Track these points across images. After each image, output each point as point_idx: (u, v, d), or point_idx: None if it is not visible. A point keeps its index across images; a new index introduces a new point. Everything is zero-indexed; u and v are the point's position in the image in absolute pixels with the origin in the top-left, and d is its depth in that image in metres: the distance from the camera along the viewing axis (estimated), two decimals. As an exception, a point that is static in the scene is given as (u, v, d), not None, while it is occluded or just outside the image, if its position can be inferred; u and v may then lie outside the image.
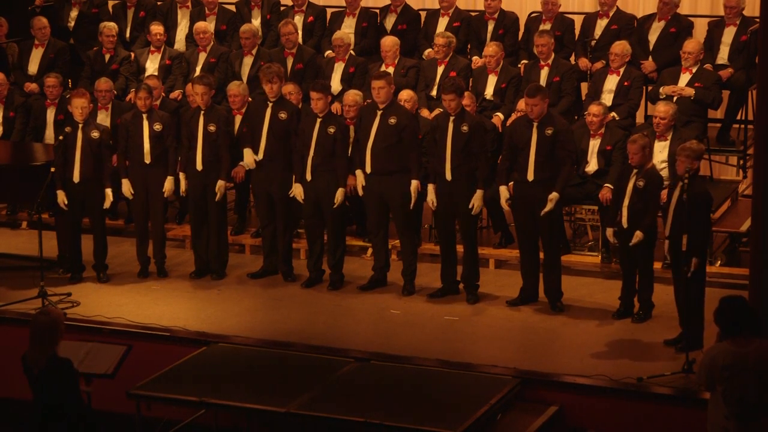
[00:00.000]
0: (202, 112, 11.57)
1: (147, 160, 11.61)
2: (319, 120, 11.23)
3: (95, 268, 11.70)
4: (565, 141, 10.69)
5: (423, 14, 13.74)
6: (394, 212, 11.19)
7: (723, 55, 12.52)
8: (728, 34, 12.51)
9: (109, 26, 13.85)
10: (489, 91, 12.51)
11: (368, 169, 11.08)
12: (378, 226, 11.29)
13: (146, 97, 11.63)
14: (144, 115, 11.63)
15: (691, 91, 11.95)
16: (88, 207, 11.59)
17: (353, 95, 11.77)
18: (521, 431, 8.89)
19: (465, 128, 10.82)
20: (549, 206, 10.58)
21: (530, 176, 10.63)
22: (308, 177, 11.26)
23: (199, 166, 11.53)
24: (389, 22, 13.59)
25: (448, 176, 10.86)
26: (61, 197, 11.46)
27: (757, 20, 12.57)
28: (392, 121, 10.99)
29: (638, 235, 10.21)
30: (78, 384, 7.93)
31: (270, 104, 11.50)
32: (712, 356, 7.67)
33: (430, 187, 11.00)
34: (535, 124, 10.64)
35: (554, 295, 10.78)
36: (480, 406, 8.81)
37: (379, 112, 11.08)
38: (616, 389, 9.22)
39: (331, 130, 11.22)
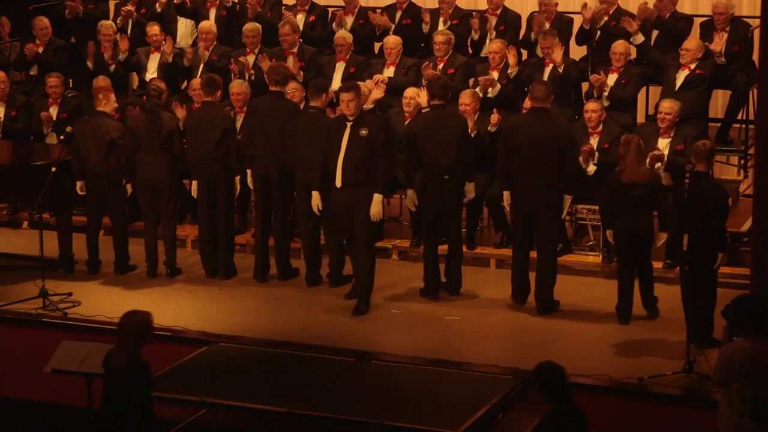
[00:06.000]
0: None
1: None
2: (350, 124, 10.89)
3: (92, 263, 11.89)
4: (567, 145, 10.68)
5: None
6: (358, 224, 10.74)
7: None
8: (719, 42, 12.39)
9: (106, 25, 13.87)
10: (491, 91, 12.51)
11: (338, 183, 10.69)
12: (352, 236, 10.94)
13: (158, 96, 11.73)
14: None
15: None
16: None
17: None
18: (522, 431, 8.89)
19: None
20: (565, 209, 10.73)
21: (531, 178, 10.59)
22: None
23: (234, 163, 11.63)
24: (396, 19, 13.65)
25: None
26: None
27: (746, 19, 12.67)
28: (363, 132, 10.69)
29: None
30: (149, 391, 7.75)
31: None
32: (730, 353, 7.66)
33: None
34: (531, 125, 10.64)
35: (545, 300, 10.73)
36: (480, 406, 8.81)
37: (349, 124, 10.72)
38: (616, 389, 9.22)
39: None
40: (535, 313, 10.72)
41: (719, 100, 13.74)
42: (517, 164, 10.67)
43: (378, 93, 11.84)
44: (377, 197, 10.64)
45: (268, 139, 11.39)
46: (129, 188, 11.73)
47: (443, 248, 11.21)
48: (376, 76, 12.65)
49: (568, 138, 10.68)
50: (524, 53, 13.22)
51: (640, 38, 12.44)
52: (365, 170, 10.62)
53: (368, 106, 11.76)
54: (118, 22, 14.29)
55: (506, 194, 10.81)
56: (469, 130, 11.47)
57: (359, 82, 12.02)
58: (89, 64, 13.80)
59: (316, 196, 10.95)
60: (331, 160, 10.72)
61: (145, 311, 7.86)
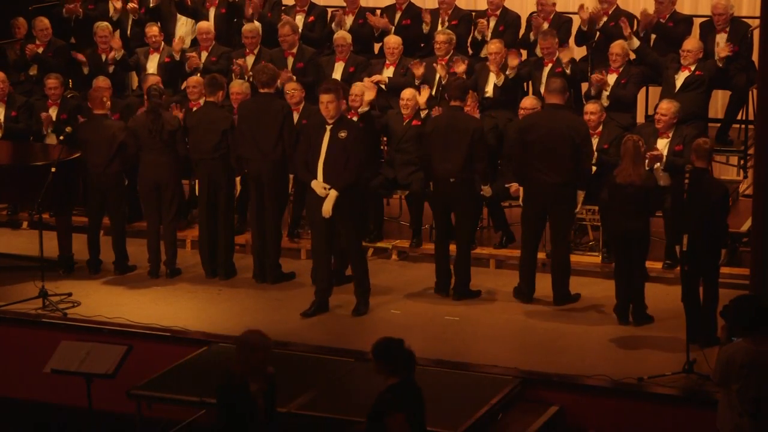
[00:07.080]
0: None
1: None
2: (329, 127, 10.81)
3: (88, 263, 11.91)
4: (583, 142, 10.69)
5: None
6: (345, 229, 10.68)
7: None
8: (724, 48, 12.36)
9: (102, 26, 13.87)
10: (490, 89, 12.52)
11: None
12: (326, 244, 10.78)
13: (158, 96, 11.76)
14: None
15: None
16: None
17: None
18: (522, 431, 8.90)
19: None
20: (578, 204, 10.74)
21: (545, 175, 10.59)
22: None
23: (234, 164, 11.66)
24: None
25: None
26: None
27: (746, 19, 12.66)
28: (342, 135, 10.56)
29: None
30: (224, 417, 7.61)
31: None
32: (730, 354, 7.67)
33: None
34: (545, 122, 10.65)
35: (560, 292, 10.78)
36: (480, 406, 8.82)
37: (329, 127, 10.59)
38: (616, 389, 9.22)
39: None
40: (535, 313, 10.72)
41: (719, 101, 13.73)
42: (530, 161, 10.65)
43: (370, 94, 11.85)
44: (332, 193, 10.51)
45: (256, 141, 11.37)
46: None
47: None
48: (375, 77, 12.67)
49: (582, 134, 10.67)
50: (524, 53, 13.23)
51: (635, 43, 12.41)
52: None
53: (363, 108, 11.77)
54: (112, 14, 14.30)
55: (521, 190, 10.82)
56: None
57: (357, 83, 12.06)
58: (84, 69, 13.79)
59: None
60: (312, 162, 10.64)
61: (262, 335, 7.65)
